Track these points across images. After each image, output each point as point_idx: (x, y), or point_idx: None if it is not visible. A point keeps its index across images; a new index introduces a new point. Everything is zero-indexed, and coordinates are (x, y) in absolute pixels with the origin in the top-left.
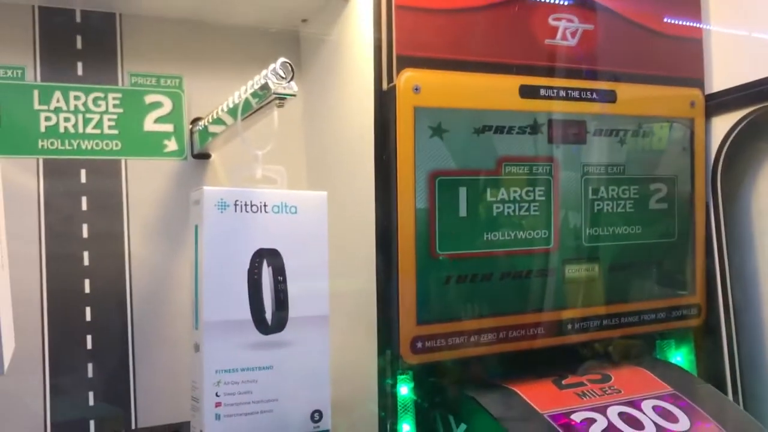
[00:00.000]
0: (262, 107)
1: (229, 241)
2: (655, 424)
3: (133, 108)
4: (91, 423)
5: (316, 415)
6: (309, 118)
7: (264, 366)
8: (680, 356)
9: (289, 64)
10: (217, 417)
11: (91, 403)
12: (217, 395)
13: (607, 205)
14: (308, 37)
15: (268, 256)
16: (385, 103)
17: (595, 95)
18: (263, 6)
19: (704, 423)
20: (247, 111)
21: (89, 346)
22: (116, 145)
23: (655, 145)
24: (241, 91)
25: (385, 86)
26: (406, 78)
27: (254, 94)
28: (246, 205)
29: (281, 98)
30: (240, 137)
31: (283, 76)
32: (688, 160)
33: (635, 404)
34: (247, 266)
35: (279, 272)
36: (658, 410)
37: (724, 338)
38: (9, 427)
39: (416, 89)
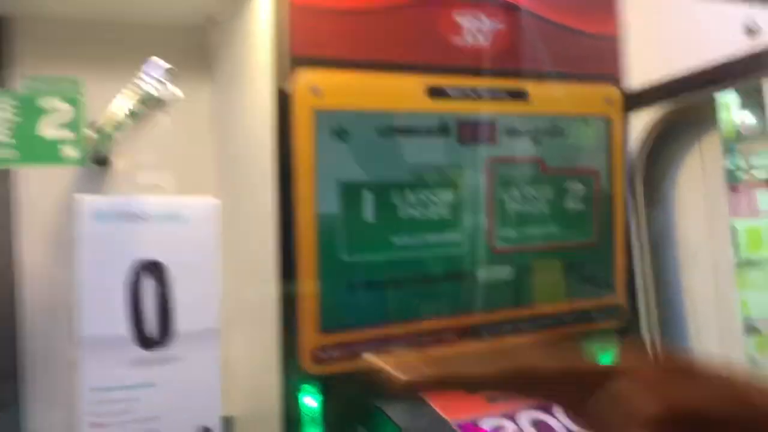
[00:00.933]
0: (145, 111)
1: (109, 252)
2: (567, 429)
3: (28, 114)
4: None
5: None
6: (217, 119)
7: (145, 383)
8: (605, 358)
9: (166, 67)
10: None
11: None
12: (94, 415)
13: (521, 206)
14: (215, 36)
15: (148, 268)
16: (284, 105)
17: (506, 94)
18: (165, 2)
19: None
20: (134, 116)
21: None
22: (10, 153)
23: (570, 144)
24: (127, 95)
25: (285, 88)
26: (305, 79)
27: (141, 99)
28: (126, 214)
29: (160, 102)
30: (121, 144)
31: (161, 80)
32: (606, 159)
33: (548, 409)
34: (127, 279)
35: (162, 285)
36: None
37: (646, 338)
38: None
39: (315, 91)
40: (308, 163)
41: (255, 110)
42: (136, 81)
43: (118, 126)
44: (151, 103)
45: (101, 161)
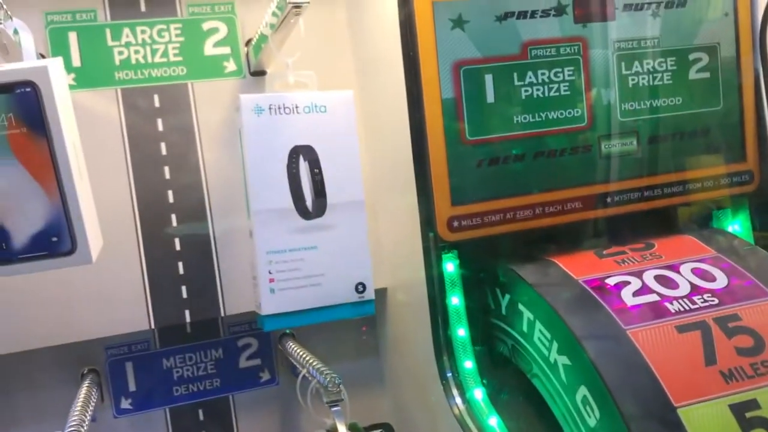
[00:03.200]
0: (284, 19)
1: (268, 140)
2: (690, 283)
3: (192, 36)
4: (186, 312)
5: (360, 287)
6: (353, 23)
7: (309, 246)
8: (738, 224)
9: None
10: (272, 291)
11: (185, 296)
12: (270, 272)
13: (643, 78)
14: None
15: (303, 152)
16: (406, 2)
17: None
18: None
19: (743, 281)
20: (274, 25)
21: (177, 247)
22: (182, 70)
23: (692, 14)
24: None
25: None
26: None
27: (278, 6)
28: (279, 107)
29: (297, 6)
30: (272, 50)
31: None
32: (732, 27)
33: (673, 267)
34: (286, 162)
35: (314, 165)
36: (697, 272)
37: None
38: (121, 314)
39: None
40: (431, 53)
41: (382, 9)
42: None
43: (264, 38)
44: (285, 10)
45: (257, 73)
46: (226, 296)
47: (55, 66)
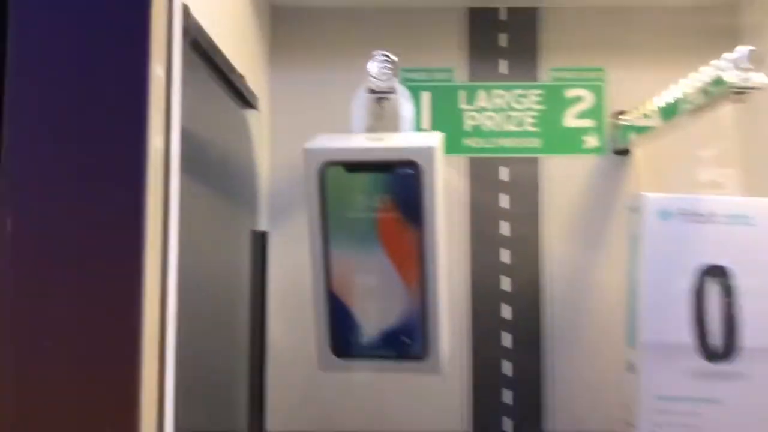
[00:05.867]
0: (709, 104)
1: (672, 254)
2: None
3: (553, 104)
4: (504, 420)
5: None
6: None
7: (709, 399)
8: None
9: (749, 50)
10: None
11: (509, 401)
12: (654, 423)
13: None
14: (749, 14)
15: (715, 274)
16: None
17: None
18: None
19: None
20: (688, 107)
21: (508, 344)
22: (536, 142)
23: None
24: (682, 86)
25: None
26: None
27: (703, 89)
28: (692, 214)
29: (740, 92)
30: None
31: (747, 67)
32: None
33: None
34: (691, 284)
35: (729, 293)
36: None
37: None
38: (438, 417)
39: None
40: None
41: None
42: (704, 68)
43: (648, 116)
44: (717, 94)
45: (621, 151)
46: (549, 410)
47: (438, 144)
